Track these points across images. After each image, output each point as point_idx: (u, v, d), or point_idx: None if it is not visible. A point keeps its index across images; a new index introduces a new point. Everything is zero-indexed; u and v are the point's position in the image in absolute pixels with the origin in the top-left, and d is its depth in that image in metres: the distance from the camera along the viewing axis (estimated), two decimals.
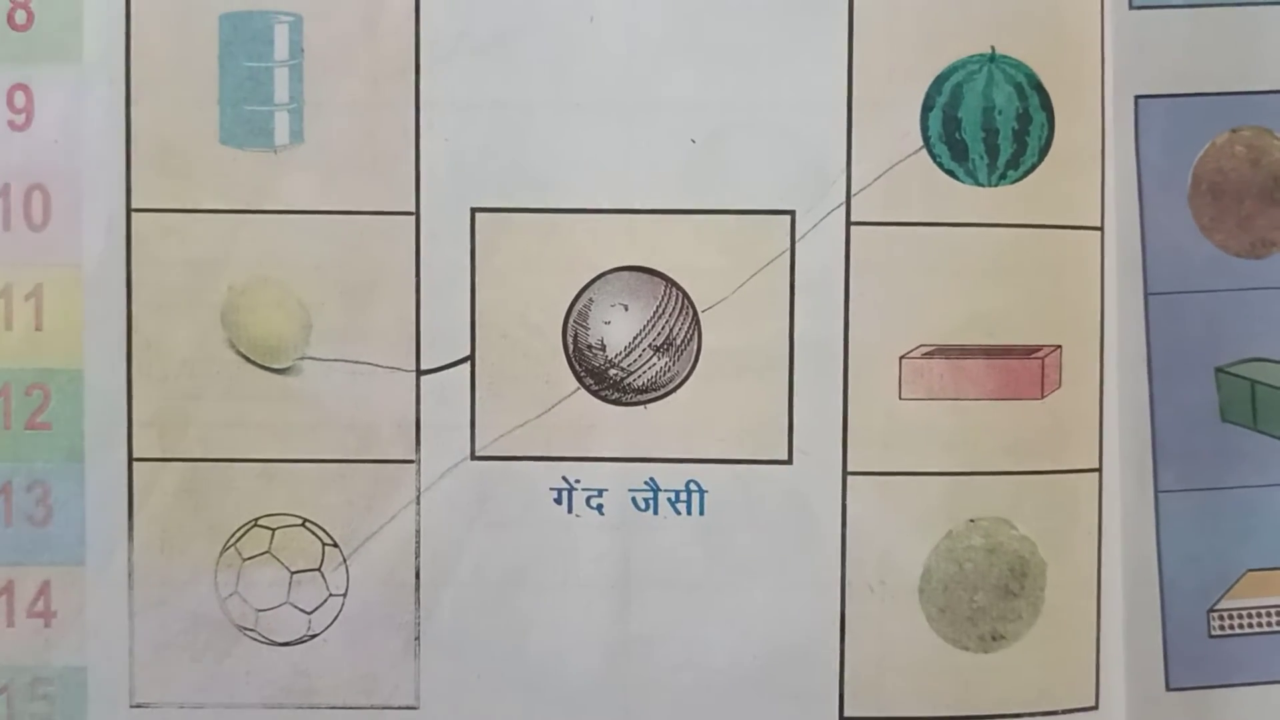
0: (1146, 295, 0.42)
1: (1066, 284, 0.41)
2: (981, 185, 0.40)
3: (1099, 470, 0.41)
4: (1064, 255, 0.41)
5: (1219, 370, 0.42)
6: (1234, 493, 0.43)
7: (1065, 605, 0.41)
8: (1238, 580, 0.43)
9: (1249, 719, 0.43)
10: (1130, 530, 0.42)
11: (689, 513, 0.40)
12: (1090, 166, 0.41)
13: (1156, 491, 0.42)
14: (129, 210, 0.40)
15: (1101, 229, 0.41)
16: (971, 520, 0.40)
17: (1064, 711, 0.41)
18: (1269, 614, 0.43)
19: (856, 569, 0.40)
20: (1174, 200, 0.42)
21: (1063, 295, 0.41)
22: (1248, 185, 0.43)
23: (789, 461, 0.40)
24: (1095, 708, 0.41)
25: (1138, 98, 0.42)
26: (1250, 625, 0.43)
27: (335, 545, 0.40)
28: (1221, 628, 0.43)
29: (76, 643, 0.40)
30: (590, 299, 0.40)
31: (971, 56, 0.40)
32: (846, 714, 0.40)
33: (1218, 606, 0.43)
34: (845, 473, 0.40)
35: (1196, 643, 0.42)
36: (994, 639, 0.41)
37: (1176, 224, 0.42)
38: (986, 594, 0.41)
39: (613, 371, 0.40)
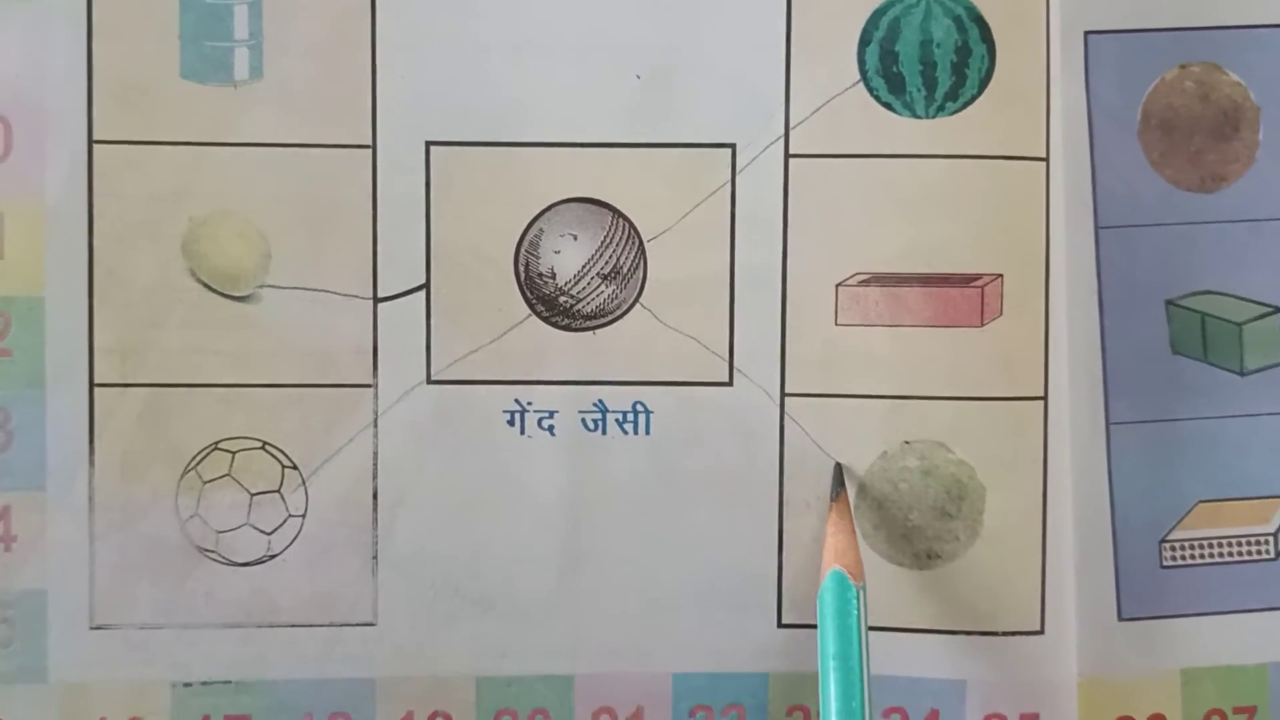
0: (1097, 229, 0.50)
1: (1008, 214, 0.48)
2: (919, 117, 0.48)
3: (1044, 399, 0.51)
4: (1005, 186, 0.48)
5: (1169, 303, 0.51)
6: (1185, 424, 0.52)
7: (1007, 530, 0.48)
8: (1189, 511, 0.52)
9: (1200, 649, 0.51)
10: (1081, 461, 0.50)
11: (636, 433, 0.48)
12: (1035, 99, 0.49)
13: (1108, 423, 0.51)
14: (90, 143, 0.46)
15: (1047, 160, 0.50)
16: (907, 442, 0.50)
17: (1005, 633, 0.50)
18: (1220, 545, 0.52)
19: (794, 486, 0.47)
20: (1124, 136, 0.51)
21: (1005, 225, 0.48)
22: (1198, 121, 0.51)
23: (730, 384, 0.48)
24: (1041, 633, 0.51)
25: (1087, 33, 0.50)
26: (1201, 556, 0.52)
27: (294, 467, 0.47)
28: (1173, 559, 0.51)
29: (37, 566, 0.46)
30: (541, 229, 0.48)
31: None
32: (784, 622, 0.49)
33: (1169, 538, 0.51)
34: (783, 395, 0.49)
35: (1148, 574, 0.51)
36: (929, 557, 0.50)
37: (1127, 159, 0.51)
38: (921, 514, 0.50)
39: (563, 299, 0.49)
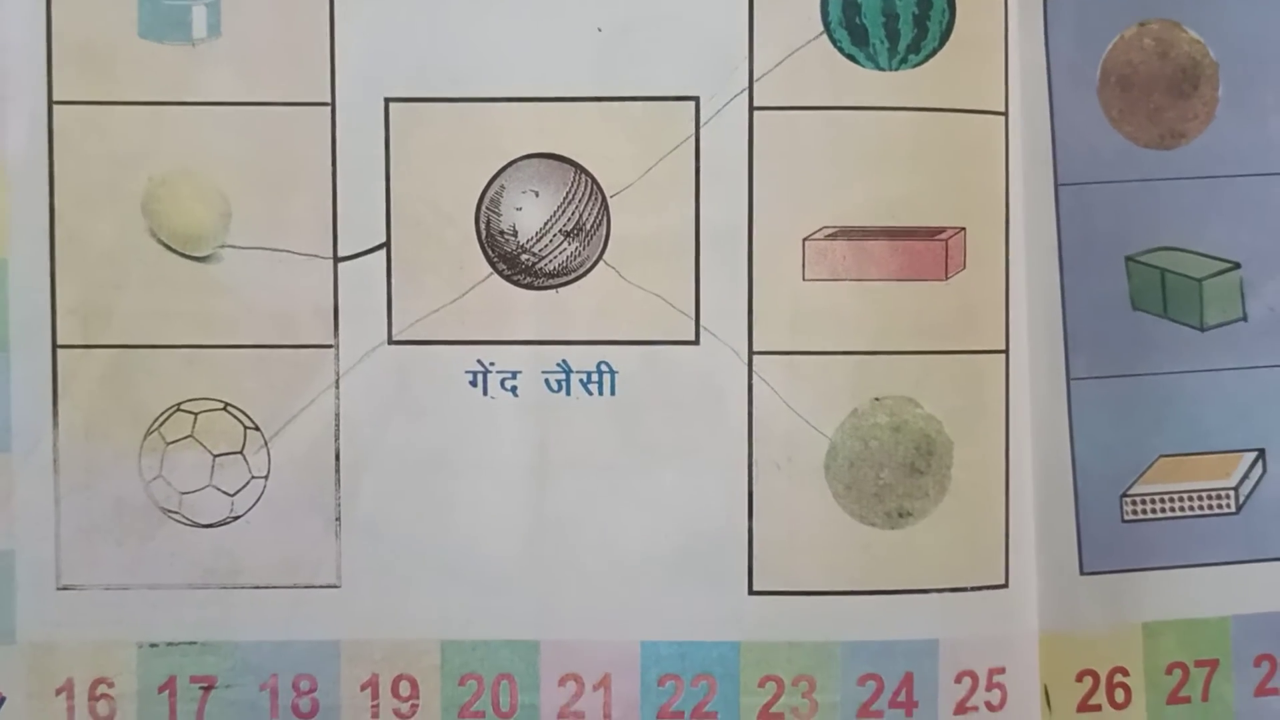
0: (1056, 186, 0.45)
1: (970, 168, 0.44)
2: (882, 69, 0.43)
3: (1005, 352, 0.45)
4: (966, 139, 0.44)
5: (1129, 259, 0.46)
6: (1145, 379, 0.46)
7: (972, 484, 0.44)
8: (1150, 466, 0.46)
9: (1161, 603, 0.46)
10: (1042, 416, 0.45)
11: (600, 393, 0.42)
12: (993, 53, 0.44)
13: (1068, 379, 0.45)
14: (50, 104, 0.42)
15: (1006, 114, 0.45)
16: (876, 399, 0.43)
17: (973, 589, 0.44)
18: (1181, 499, 0.46)
19: (763, 448, 0.42)
20: (1083, 93, 0.45)
21: (966, 179, 0.44)
22: (1156, 78, 0.46)
23: (696, 343, 0.42)
24: (1005, 586, 0.45)
25: None
26: (1162, 510, 0.46)
27: (257, 429, 0.42)
28: (1134, 513, 0.46)
29: (3, 527, 0.41)
30: (502, 186, 0.43)
31: None
32: (755, 589, 0.43)
33: (1130, 492, 0.46)
34: (751, 353, 0.43)
35: (1109, 528, 0.46)
36: (900, 516, 0.44)
37: (1086, 116, 0.45)
38: (892, 471, 0.44)
39: (524, 256, 0.43)
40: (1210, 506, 0.46)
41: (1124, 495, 0.46)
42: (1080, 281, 0.45)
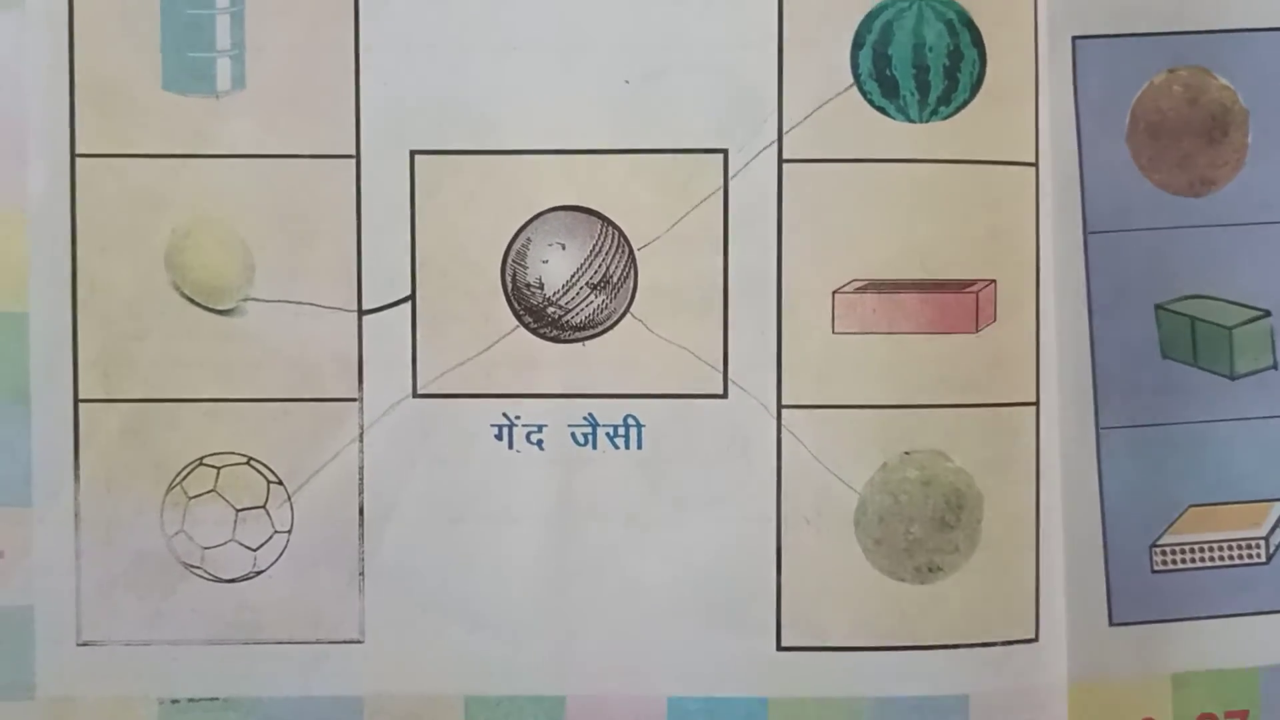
0: (1086, 233, 0.44)
1: (1000, 219, 0.43)
2: (913, 121, 0.42)
3: (1036, 404, 0.44)
4: (997, 190, 0.43)
5: (1159, 307, 0.45)
6: (1175, 429, 0.45)
7: (1003, 538, 0.44)
8: (1179, 516, 0.45)
9: (1191, 653, 0.45)
10: (1071, 466, 0.44)
11: (627, 447, 0.42)
12: (1024, 103, 0.44)
13: (1098, 428, 0.45)
14: (73, 154, 0.41)
15: (1036, 165, 0.44)
16: (906, 453, 0.43)
17: (1004, 643, 0.44)
18: (1211, 549, 0.45)
19: (792, 502, 0.41)
20: (1112, 140, 0.45)
21: (997, 230, 0.43)
22: (1186, 124, 0.45)
23: (724, 396, 0.42)
24: (1035, 640, 0.44)
25: (1075, 38, 0.44)
26: (1192, 561, 0.45)
27: (280, 483, 0.42)
28: (1164, 563, 0.45)
29: (23, 582, 0.40)
30: (528, 238, 0.42)
31: None
32: (784, 644, 0.42)
33: (1160, 542, 0.45)
34: (780, 406, 0.42)
35: (1139, 578, 0.45)
36: (930, 571, 0.43)
37: (1115, 163, 0.45)
38: (922, 526, 0.43)
39: (551, 309, 0.42)
40: (1240, 556, 0.45)
41: (1153, 545, 0.45)
42: (1110, 330, 0.44)
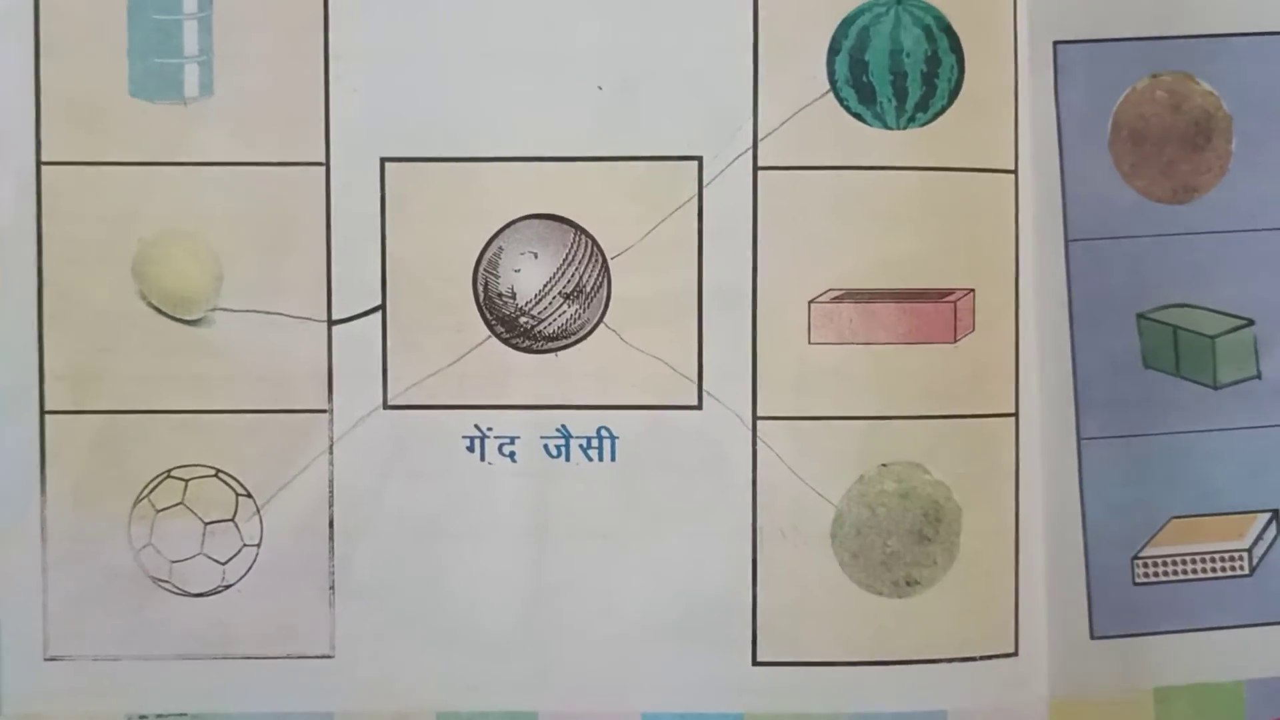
0: (1067, 241, 0.44)
1: (979, 227, 0.42)
2: (890, 128, 0.41)
3: (1016, 415, 0.43)
4: (976, 198, 0.42)
5: (1141, 316, 0.44)
6: (1157, 439, 0.44)
7: (982, 551, 0.43)
8: (1162, 528, 0.45)
9: (1173, 667, 0.44)
10: (1052, 477, 0.44)
11: (600, 459, 0.41)
12: (1003, 110, 0.43)
13: (1079, 439, 0.44)
14: (39, 163, 0.41)
15: (1015, 172, 0.43)
16: (884, 465, 0.42)
17: (983, 658, 0.43)
18: (1193, 561, 0.45)
19: (768, 515, 0.41)
20: (1094, 147, 0.44)
21: (975, 238, 0.42)
22: (1169, 131, 0.44)
23: (699, 407, 0.41)
24: (1015, 654, 0.43)
25: (1056, 43, 0.44)
26: (1174, 573, 0.45)
27: (249, 495, 0.41)
28: (1145, 575, 0.45)
29: None
30: (500, 247, 0.41)
31: None
32: (760, 659, 0.42)
33: (1141, 554, 0.45)
34: (755, 418, 0.41)
35: (1120, 591, 0.44)
36: (908, 584, 0.42)
37: (1097, 170, 0.44)
38: (900, 539, 0.42)
39: (523, 319, 0.41)
40: (1223, 569, 0.45)
41: (1135, 557, 0.44)
42: (1091, 340, 0.44)
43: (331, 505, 0.41)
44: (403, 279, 0.41)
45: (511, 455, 0.41)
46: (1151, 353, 0.44)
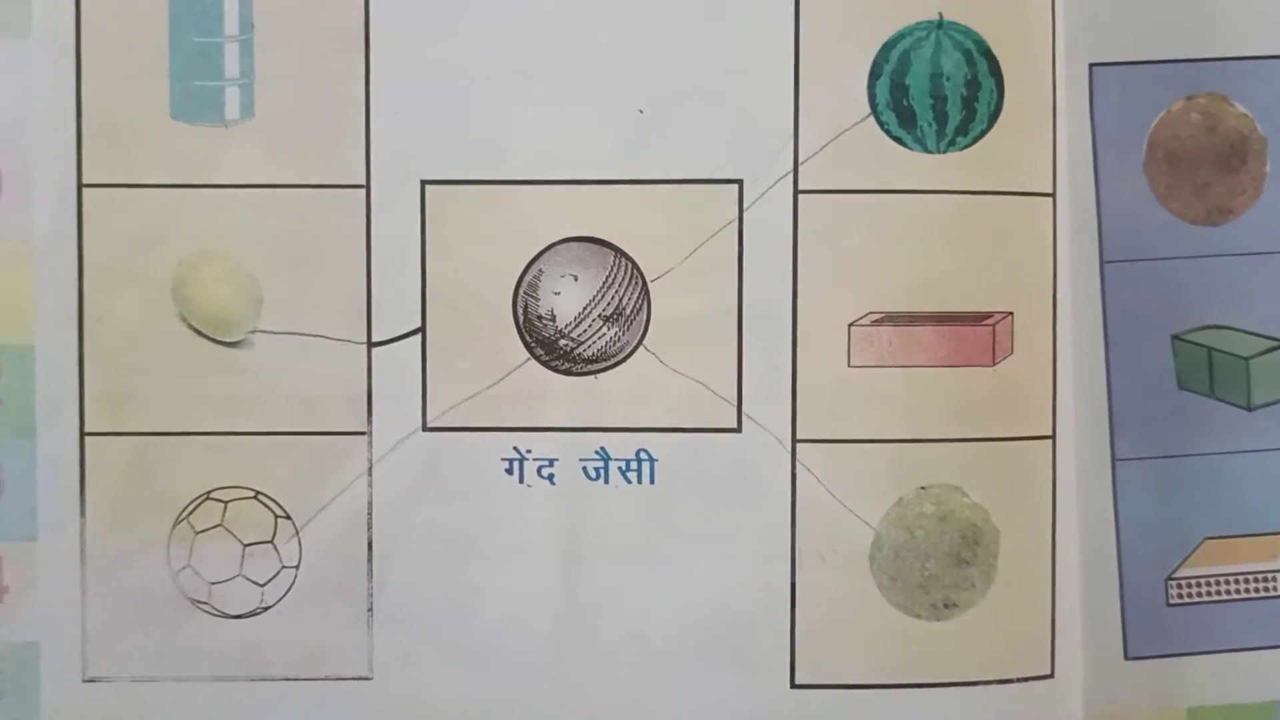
0: (1102, 263, 0.44)
1: (1017, 250, 0.42)
2: (930, 152, 0.41)
3: (1053, 438, 0.43)
4: (1015, 221, 0.42)
5: (1176, 338, 0.44)
6: (1192, 460, 0.44)
7: (1019, 573, 0.43)
8: (1196, 548, 0.44)
9: (1206, 687, 0.44)
10: (1087, 499, 0.43)
11: (639, 481, 0.41)
12: (1041, 133, 0.43)
13: (1114, 460, 0.44)
14: (79, 185, 0.41)
15: (1054, 195, 0.43)
16: (922, 488, 0.42)
17: (1019, 680, 0.43)
18: (1227, 582, 0.45)
19: (806, 537, 0.41)
20: (1129, 168, 0.44)
21: (1014, 261, 0.42)
22: (1204, 152, 0.44)
23: (738, 430, 0.41)
24: (1051, 676, 0.43)
25: (1092, 65, 0.43)
26: (1209, 594, 0.45)
27: (288, 517, 0.41)
28: (1180, 596, 0.44)
29: (28, 618, 0.40)
30: (540, 270, 0.41)
31: (919, 23, 0.41)
32: (798, 682, 0.42)
33: (1176, 575, 0.44)
34: (794, 441, 0.41)
35: (1155, 612, 0.44)
36: (946, 607, 0.42)
37: (1132, 192, 0.44)
38: (938, 562, 0.42)
39: (563, 342, 0.41)
40: (1257, 589, 0.45)
41: (1169, 578, 0.44)
42: (1126, 361, 0.43)
43: (370, 527, 0.41)
44: (442, 301, 0.41)
45: (550, 478, 0.41)
46: (1186, 374, 0.44)
